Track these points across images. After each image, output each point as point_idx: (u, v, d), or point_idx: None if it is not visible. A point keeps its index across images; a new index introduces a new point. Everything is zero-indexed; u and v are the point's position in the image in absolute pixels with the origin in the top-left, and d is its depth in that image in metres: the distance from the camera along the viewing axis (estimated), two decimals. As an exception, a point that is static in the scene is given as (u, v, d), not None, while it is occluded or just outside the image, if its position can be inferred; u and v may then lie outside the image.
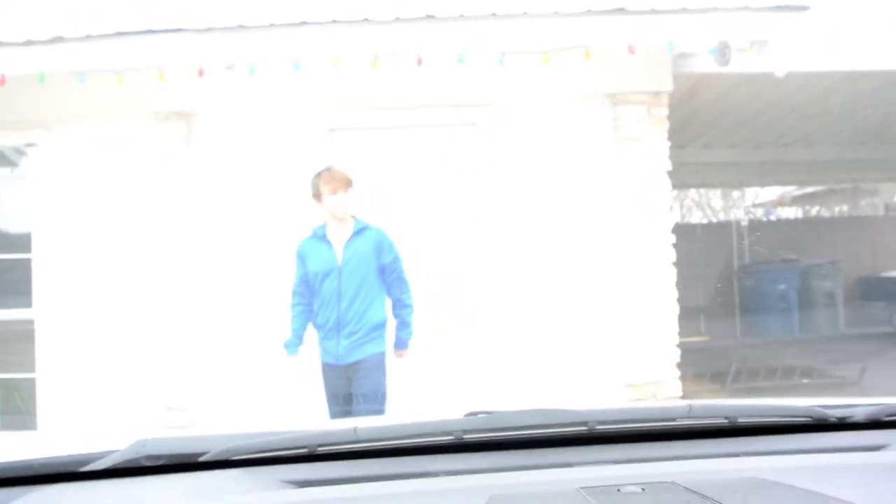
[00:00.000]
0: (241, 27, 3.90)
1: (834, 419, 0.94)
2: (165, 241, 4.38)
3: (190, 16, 3.97)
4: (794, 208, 14.99)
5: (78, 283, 4.42)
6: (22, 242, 4.58)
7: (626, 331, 4.28)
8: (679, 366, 4.41)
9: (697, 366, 6.44)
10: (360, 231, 3.37)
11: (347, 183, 3.36)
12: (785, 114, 6.53)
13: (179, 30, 3.87)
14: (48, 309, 4.48)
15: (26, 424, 4.39)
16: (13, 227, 4.83)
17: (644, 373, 4.29)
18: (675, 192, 16.00)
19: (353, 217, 3.41)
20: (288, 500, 0.82)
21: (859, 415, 0.95)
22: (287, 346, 3.40)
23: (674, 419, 0.94)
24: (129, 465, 0.87)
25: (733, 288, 9.42)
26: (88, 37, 3.81)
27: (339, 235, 3.36)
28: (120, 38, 3.83)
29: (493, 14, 3.90)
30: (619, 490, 0.76)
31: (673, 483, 0.76)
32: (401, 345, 3.49)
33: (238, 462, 0.86)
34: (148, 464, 0.88)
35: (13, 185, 4.79)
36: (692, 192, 14.88)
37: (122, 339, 4.35)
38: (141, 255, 4.39)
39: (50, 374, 4.43)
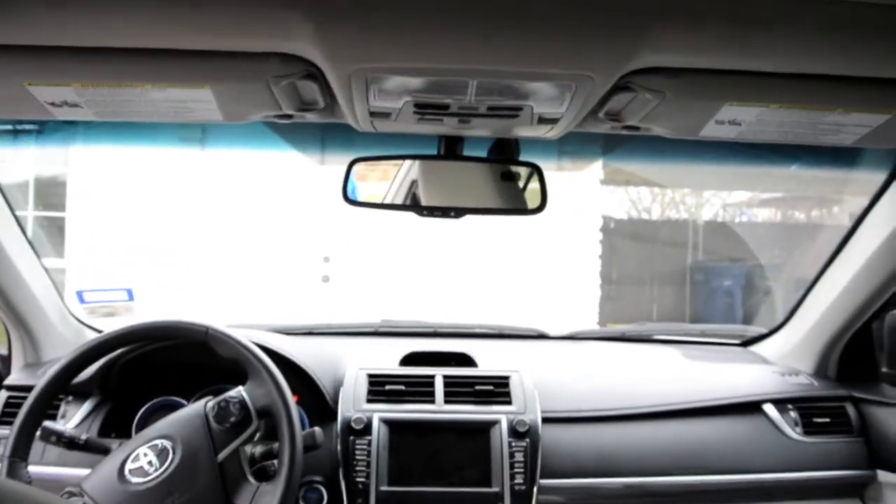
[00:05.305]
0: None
1: (547, 334, 2.03)
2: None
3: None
4: (763, 209, 15.92)
5: None
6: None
7: (551, 309, 5.37)
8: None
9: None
10: None
11: None
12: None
13: None
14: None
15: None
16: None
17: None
18: (658, 190, 16.96)
19: None
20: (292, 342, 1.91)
21: (557, 334, 2.04)
22: None
23: (462, 328, 2.06)
24: None
25: (686, 281, 10.51)
26: None
27: None
28: None
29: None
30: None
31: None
32: None
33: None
34: None
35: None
36: (669, 191, 15.73)
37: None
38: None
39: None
